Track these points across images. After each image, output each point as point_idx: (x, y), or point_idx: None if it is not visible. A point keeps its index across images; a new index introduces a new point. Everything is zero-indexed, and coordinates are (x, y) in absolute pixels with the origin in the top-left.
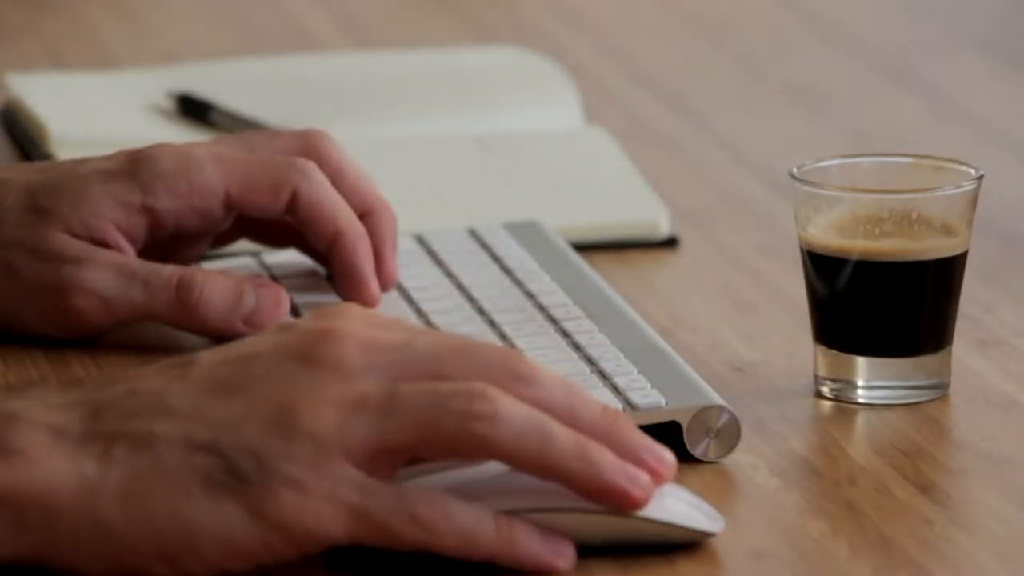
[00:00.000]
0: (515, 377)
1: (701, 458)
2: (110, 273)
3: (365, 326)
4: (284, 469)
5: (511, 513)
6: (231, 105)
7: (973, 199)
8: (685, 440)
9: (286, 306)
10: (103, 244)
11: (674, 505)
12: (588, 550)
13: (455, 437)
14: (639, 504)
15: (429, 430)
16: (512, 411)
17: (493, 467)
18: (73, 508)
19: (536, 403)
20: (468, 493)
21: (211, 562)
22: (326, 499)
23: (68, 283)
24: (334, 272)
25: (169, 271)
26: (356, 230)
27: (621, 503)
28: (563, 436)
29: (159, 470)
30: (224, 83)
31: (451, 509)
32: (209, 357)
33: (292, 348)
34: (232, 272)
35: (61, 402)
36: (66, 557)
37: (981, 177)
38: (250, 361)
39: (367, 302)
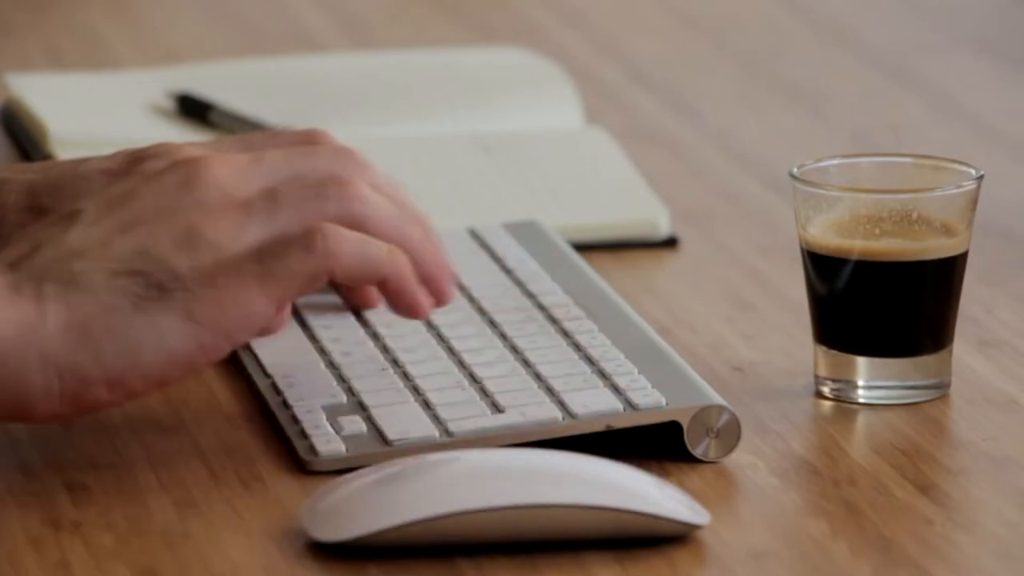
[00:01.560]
0: (359, 168)
1: (701, 458)
2: None
3: (216, 151)
4: (197, 273)
5: (509, 509)
6: (231, 105)
7: (973, 199)
8: (685, 440)
9: None
10: None
11: (661, 500)
12: (588, 549)
13: (338, 219)
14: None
15: (314, 216)
16: (373, 193)
17: (491, 462)
18: (20, 347)
19: (378, 189)
20: (469, 484)
21: (151, 376)
22: (237, 284)
23: None
24: None
25: None
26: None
27: (437, 292)
28: (414, 221)
29: (90, 299)
30: (224, 83)
31: (340, 232)
32: (92, 204)
33: (169, 180)
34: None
35: None
36: (17, 399)
37: (981, 177)
38: (134, 198)
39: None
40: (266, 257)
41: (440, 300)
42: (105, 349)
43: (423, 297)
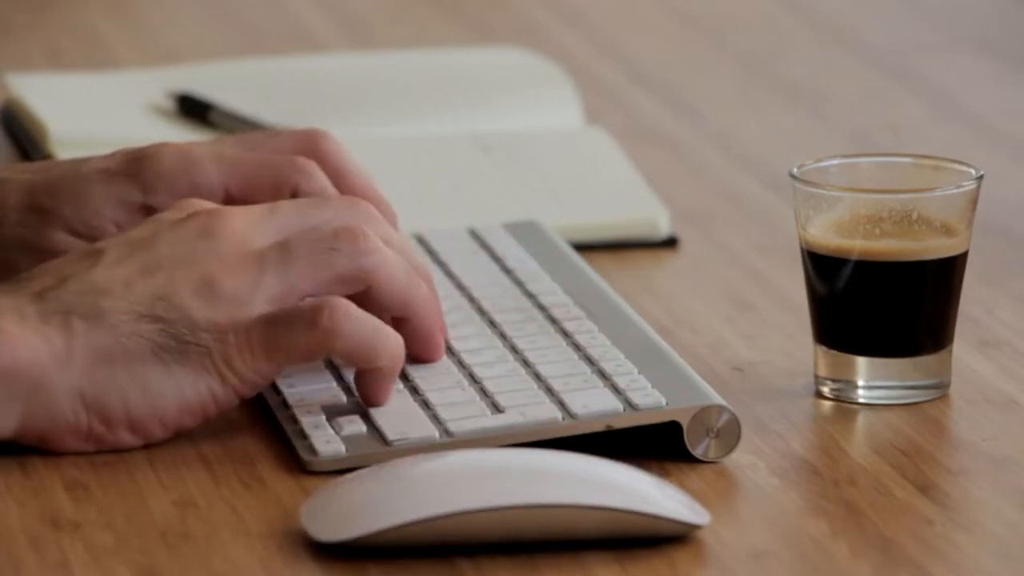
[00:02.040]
0: (371, 221)
1: (701, 458)
2: None
3: (233, 206)
4: (213, 327)
5: (509, 509)
6: (231, 105)
7: (973, 199)
8: (685, 440)
9: None
10: None
11: (661, 500)
12: (588, 549)
13: (349, 272)
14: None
15: (326, 270)
16: (384, 247)
17: (491, 462)
18: (53, 377)
19: (388, 243)
20: (469, 484)
21: (169, 423)
22: (245, 346)
23: None
24: None
25: None
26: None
27: (430, 351)
28: (420, 277)
29: (116, 340)
30: (224, 83)
31: (350, 312)
32: (113, 247)
33: (189, 229)
34: None
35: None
36: (46, 427)
37: (981, 177)
38: (155, 244)
39: None
40: (273, 326)
41: (430, 359)
42: (128, 389)
43: (391, 391)
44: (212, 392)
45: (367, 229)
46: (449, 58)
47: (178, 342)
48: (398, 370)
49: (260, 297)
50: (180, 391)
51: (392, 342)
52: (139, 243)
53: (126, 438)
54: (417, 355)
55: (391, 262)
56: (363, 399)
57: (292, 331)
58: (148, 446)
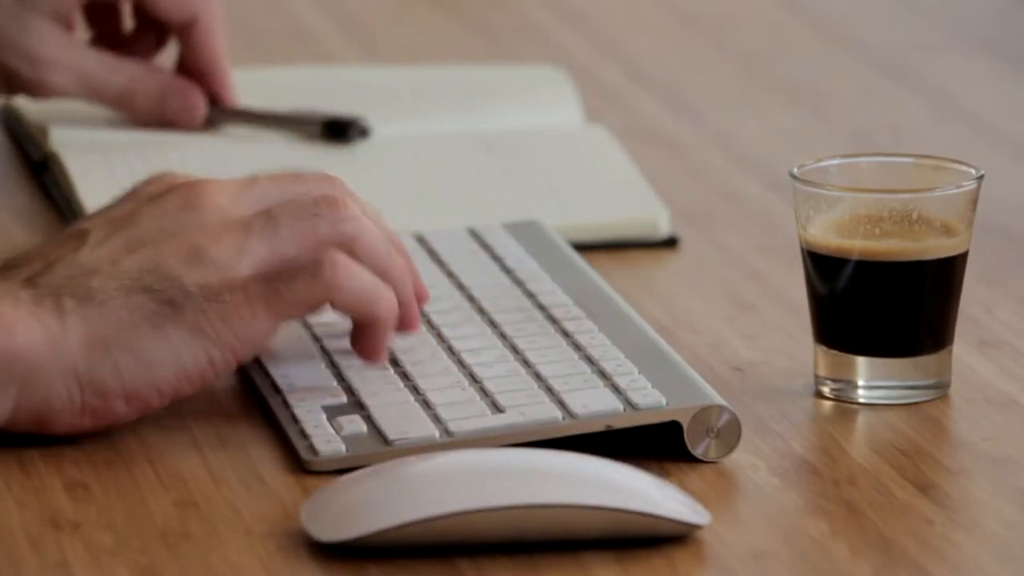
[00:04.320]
0: (348, 192)
1: (701, 458)
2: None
3: (211, 178)
4: (205, 290)
5: (509, 509)
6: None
7: (973, 199)
8: (685, 440)
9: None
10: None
11: (661, 500)
12: (588, 549)
13: (331, 238)
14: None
15: (309, 235)
16: (363, 216)
17: (491, 462)
18: (46, 359)
19: (364, 214)
20: (469, 484)
21: (166, 389)
22: (244, 303)
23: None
24: (189, 66)
25: None
26: (213, 13)
27: (409, 319)
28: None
29: (108, 314)
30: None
31: (350, 265)
32: (96, 227)
33: (170, 203)
34: None
35: None
36: (41, 409)
37: (981, 177)
38: (137, 220)
39: (225, 91)
40: (274, 280)
41: (410, 327)
42: (123, 363)
43: (387, 346)
44: (209, 356)
45: (346, 198)
46: (471, 75)
47: (172, 306)
48: (394, 324)
49: (247, 261)
50: (177, 356)
51: (389, 295)
52: (121, 221)
53: (121, 408)
54: (385, 350)
55: (371, 230)
56: (362, 355)
57: (295, 283)
58: (147, 446)
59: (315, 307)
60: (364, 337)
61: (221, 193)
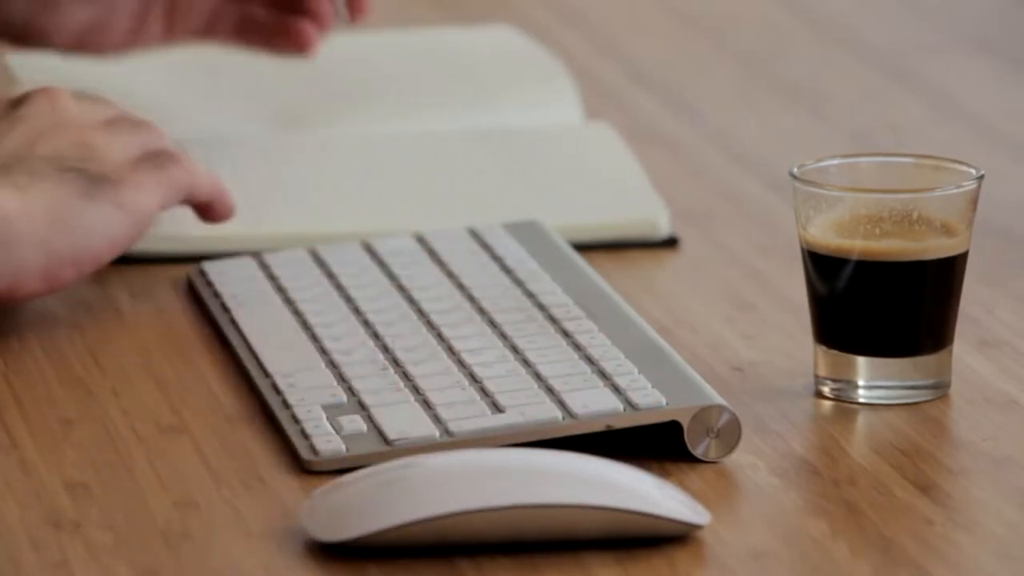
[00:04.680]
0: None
1: (701, 458)
2: None
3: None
4: (110, 174)
5: (509, 509)
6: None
7: (973, 199)
8: (685, 440)
9: None
10: None
11: (661, 500)
12: (588, 549)
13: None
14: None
15: (160, 137)
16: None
17: (491, 462)
18: (19, 228)
19: None
20: (469, 484)
21: (100, 258)
22: (144, 178)
23: None
24: None
25: None
26: None
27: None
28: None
29: (58, 188)
30: (225, 74)
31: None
32: None
33: (42, 107)
34: None
35: None
36: (13, 276)
37: (981, 177)
38: (20, 121)
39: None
40: (161, 161)
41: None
42: (74, 231)
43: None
44: (127, 227)
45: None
46: (438, 41)
47: (97, 182)
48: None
49: (125, 152)
50: (107, 227)
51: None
52: (8, 123)
53: (69, 275)
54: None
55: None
56: (220, 217)
57: (173, 166)
58: (148, 447)
59: (185, 190)
60: (215, 206)
61: (69, 98)
